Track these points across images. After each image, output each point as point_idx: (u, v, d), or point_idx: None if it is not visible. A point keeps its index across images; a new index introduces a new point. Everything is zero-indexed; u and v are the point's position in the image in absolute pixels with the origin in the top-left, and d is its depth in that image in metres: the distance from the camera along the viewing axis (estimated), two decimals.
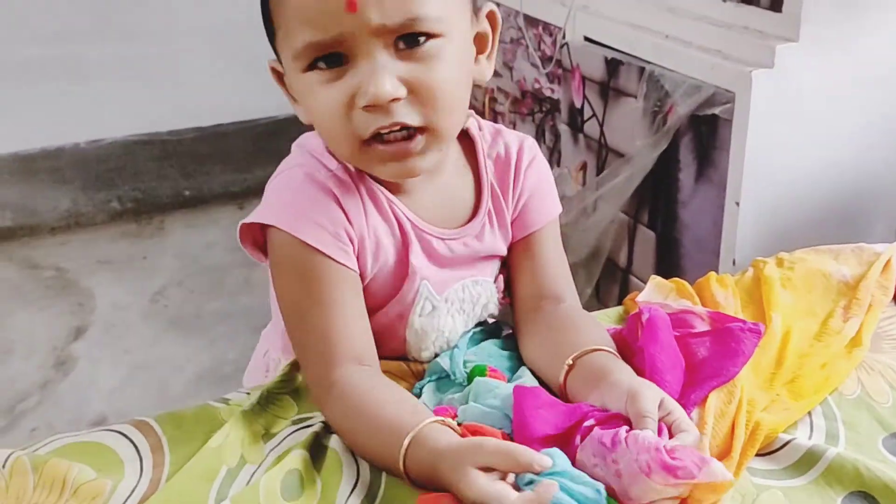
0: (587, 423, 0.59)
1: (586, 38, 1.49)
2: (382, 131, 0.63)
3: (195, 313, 2.05)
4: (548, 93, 1.65)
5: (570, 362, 0.67)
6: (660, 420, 0.58)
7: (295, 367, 0.73)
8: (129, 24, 2.42)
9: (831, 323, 0.78)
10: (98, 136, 2.51)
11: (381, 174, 0.68)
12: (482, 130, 0.78)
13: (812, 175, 1.20)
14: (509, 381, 0.69)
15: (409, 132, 0.64)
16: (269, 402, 0.70)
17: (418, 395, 0.70)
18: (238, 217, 2.63)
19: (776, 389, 0.69)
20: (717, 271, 0.95)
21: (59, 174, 2.51)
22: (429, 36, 0.63)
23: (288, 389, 0.72)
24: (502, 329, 0.81)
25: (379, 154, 0.65)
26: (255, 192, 2.72)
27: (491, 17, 0.71)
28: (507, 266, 0.80)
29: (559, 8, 1.53)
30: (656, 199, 1.37)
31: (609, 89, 1.42)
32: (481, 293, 0.77)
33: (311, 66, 0.64)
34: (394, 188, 0.72)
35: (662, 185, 1.33)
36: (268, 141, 2.71)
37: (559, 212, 0.81)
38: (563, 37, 1.53)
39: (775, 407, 0.67)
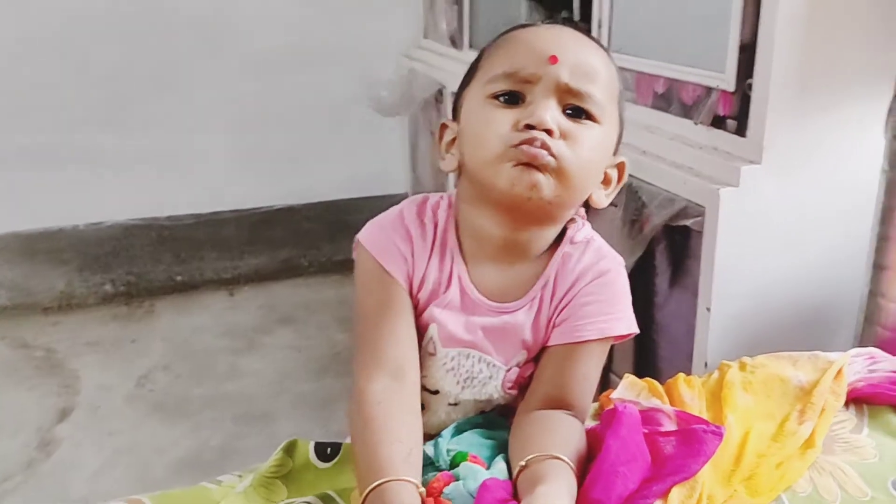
0: None
1: None
2: (527, 144, 0.74)
3: (180, 398, 2.07)
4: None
5: (524, 464, 0.72)
6: None
7: (287, 452, 0.78)
8: (139, 115, 2.53)
9: (787, 425, 0.84)
10: (99, 219, 2.59)
11: (506, 181, 0.75)
12: (578, 232, 0.85)
13: (777, 285, 1.28)
14: (488, 468, 0.74)
15: (548, 154, 0.74)
16: (261, 485, 0.74)
17: None
18: (228, 304, 2.66)
19: (734, 486, 0.74)
20: (690, 372, 1.02)
21: (58, 255, 2.56)
22: (589, 117, 0.77)
23: (280, 474, 0.76)
24: (494, 422, 0.84)
25: (516, 155, 0.74)
26: (245, 279, 2.79)
27: (621, 166, 0.84)
28: (537, 364, 0.84)
29: None
30: (634, 302, 1.43)
31: None
32: (483, 371, 0.82)
33: (494, 97, 0.77)
34: (469, 254, 0.82)
35: (640, 289, 1.41)
36: (262, 230, 2.79)
37: (612, 335, 0.82)
38: None
39: (733, 502, 0.72)
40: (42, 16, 2.36)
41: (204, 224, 2.72)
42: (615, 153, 0.83)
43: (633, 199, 1.38)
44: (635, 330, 0.83)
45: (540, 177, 0.74)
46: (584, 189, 0.79)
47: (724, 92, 1.22)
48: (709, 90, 1.26)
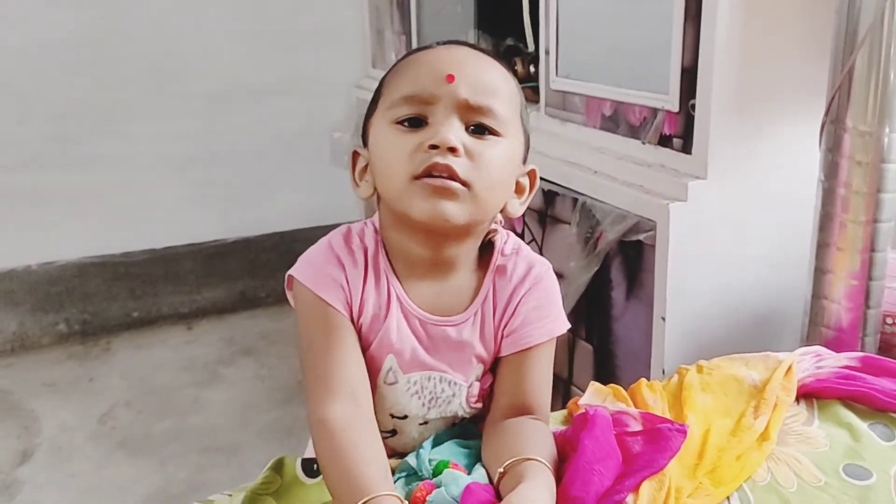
0: None
1: None
2: (433, 172, 0.75)
3: (144, 434, 2.05)
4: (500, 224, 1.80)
5: (502, 470, 0.75)
6: None
7: (276, 469, 0.80)
8: (89, 153, 2.52)
9: (744, 421, 0.89)
10: (51, 258, 2.56)
11: (419, 212, 0.76)
12: (506, 243, 0.88)
13: (727, 292, 1.34)
14: (469, 474, 0.77)
15: (454, 180, 0.76)
16: (252, 502, 0.77)
17: None
18: (187, 338, 2.65)
19: (699, 478, 0.79)
20: (648, 379, 1.07)
21: (9, 296, 2.52)
22: (492, 132, 0.79)
23: (270, 491, 0.78)
24: (469, 431, 0.88)
25: (422, 188, 0.76)
26: (203, 312, 2.78)
27: (532, 174, 0.86)
28: (494, 374, 0.87)
29: None
30: (592, 315, 1.49)
31: (547, 217, 1.57)
32: (445, 390, 0.85)
33: (398, 122, 0.78)
34: (402, 274, 0.83)
35: (597, 303, 1.47)
36: (217, 262, 2.78)
37: (556, 335, 0.86)
38: None
39: (699, 493, 0.77)
40: None
41: (159, 259, 2.71)
42: (524, 162, 0.86)
43: (586, 217, 1.44)
44: (568, 325, 0.88)
45: (450, 206, 0.76)
46: (497, 203, 0.82)
47: (668, 112, 1.29)
48: (654, 111, 1.33)
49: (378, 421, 0.80)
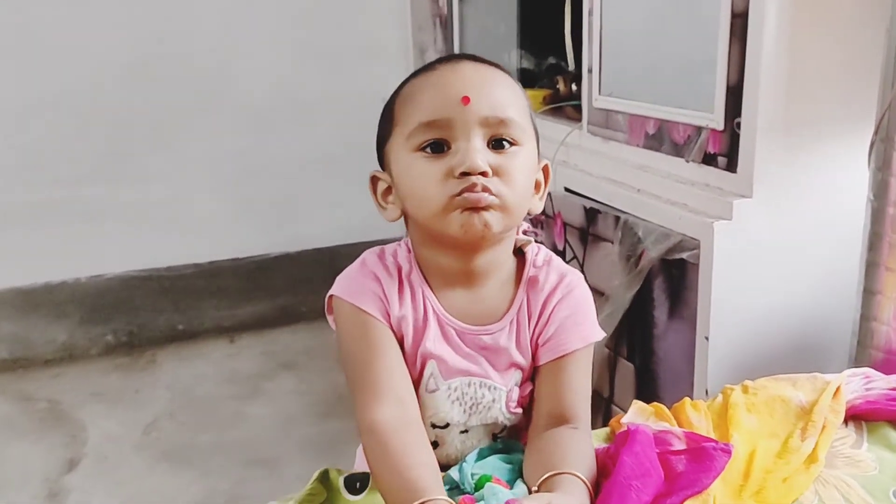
0: None
1: (566, 189, 1.65)
2: (468, 191, 0.78)
3: (187, 445, 2.08)
4: (532, 234, 1.80)
5: (536, 488, 0.76)
6: None
7: (321, 481, 0.81)
8: (137, 169, 2.58)
9: (791, 442, 0.88)
10: (100, 271, 2.62)
11: (457, 230, 0.79)
12: (538, 255, 0.90)
13: (772, 312, 1.33)
14: (511, 489, 0.78)
15: (489, 195, 0.78)
16: None
17: None
18: (229, 351, 2.69)
19: (744, 500, 0.78)
20: (691, 399, 1.06)
21: (59, 308, 2.58)
22: (511, 143, 0.81)
23: (316, 503, 0.79)
24: (512, 447, 0.88)
25: (459, 204, 0.78)
26: (245, 326, 2.82)
27: (545, 169, 0.89)
28: (535, 384, 0.88)
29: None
30: (634, 334, 1.48)
31: (588, 234, 1.57)
32: (485, 395, 0.86)
33: (419, 149, 0.80)
34: (436, 286, 0.86)
35: (639, 321, 1.46)
36: (260, 277, 2.82)
37: (592, 342, 0.87)
38: None
39: None
40: (43, 75, 2.43)
41: (203, 273, 2.76)
42: (538, 161, 0.88)
43: (629, 235, 1.43)
44: (603, 333, 0.89)
45: (488, 216, 0.78)
46: (525, 207, 0.84)
47: (713, 131, 1.29)
48: (699, 129, 1.32)
49: None
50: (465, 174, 0.77)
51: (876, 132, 1.15)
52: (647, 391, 1.46)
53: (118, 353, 2.65)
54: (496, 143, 0.81)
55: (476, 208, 0.78)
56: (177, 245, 2.70)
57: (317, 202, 2.83)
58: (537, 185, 0.88)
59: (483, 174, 0.78)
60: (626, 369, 1.51)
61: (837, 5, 1.22)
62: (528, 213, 0.87)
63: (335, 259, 2.86)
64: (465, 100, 0.79)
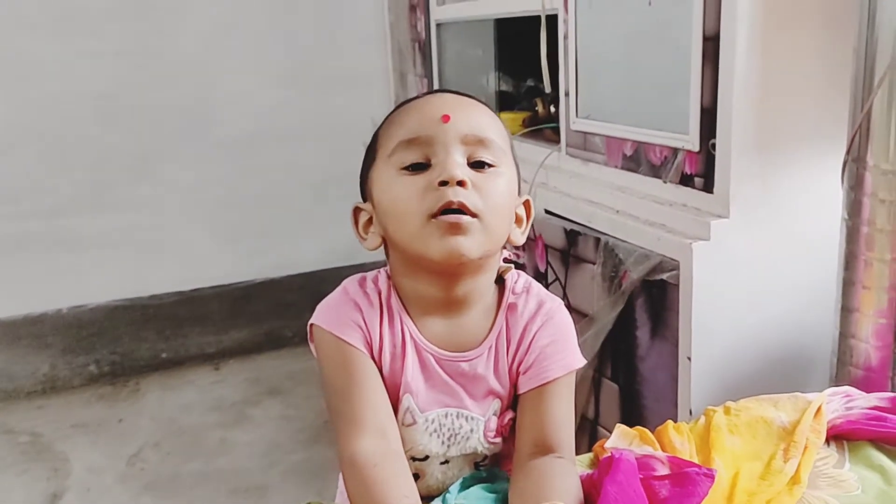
0: None
1: (547, 211, 1.66)
2: (447, 208, 0.78)
3: (172, 475, 2.07)
4: (514, 258, 1.81)
5: None
6: None
7: None
8: (118, 198, 2.58)
9: (774, 464, 0.88)
10: (82, 301, 2.60)
11: (435, 252, 0.79)
12: (517, 282, 0.90)
13: (754, 332, 1.33)
14: None
15: (466, 213, 0.79)
16: None
17: None
18: (214, 378, 2.69)
19: None
20: (675, 419, 1.06)
21: (41, 339, 2.56)
22: (490, 165, 0.82)
23: None
24: (496, 475, 0.88)
25: (438, 227, 0.78)
26: (230, 353, 2.81)
27: (527, 204, 0.90)
28: (517, 413, 0.88)
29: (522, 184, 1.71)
30: (617, 355, 1.49)
31: (570, 256, 1.58)
32: (463, 426, 0.86)
33: (401, 168, 0.81)
34: (414, 314, 0.86)
35: (622, 342, 1.46)
36: (244, 304, 2.82)
37: (574, 369, 0.87)
38: None
39: None
40: (22, 104, 2.42)
41: (187, 301, 2.75)
42: (518, 194, 0.89)
43: (610, 257, 1.44)
44: (584, 360, 0.89)
45: (465, 242, 0.78)
46: (503, 233, 0.85)
47: (689, 152, 1.30)
48: (675, 151, 1.34)
49: None
50: (443, 183, 0.78)
51: (847, 152, 1.17)
52: (632, 411, 1.46)
53: (101, 382, 2.63)
54: (476, 164, 0.82)
55: (454, 231, 0.78)
56: (160, 273, 2.69)
57: (300, 228, 2.83)
58: (518, 219, 0.88)
59: (461, 184, 0.78)
60: (610, 390, 1.51)
61: (806, 28, 1.24)
62: (510, 242, 0.87)
63: (319, 284, 2.85)
64: (445, 118, 0.81)
